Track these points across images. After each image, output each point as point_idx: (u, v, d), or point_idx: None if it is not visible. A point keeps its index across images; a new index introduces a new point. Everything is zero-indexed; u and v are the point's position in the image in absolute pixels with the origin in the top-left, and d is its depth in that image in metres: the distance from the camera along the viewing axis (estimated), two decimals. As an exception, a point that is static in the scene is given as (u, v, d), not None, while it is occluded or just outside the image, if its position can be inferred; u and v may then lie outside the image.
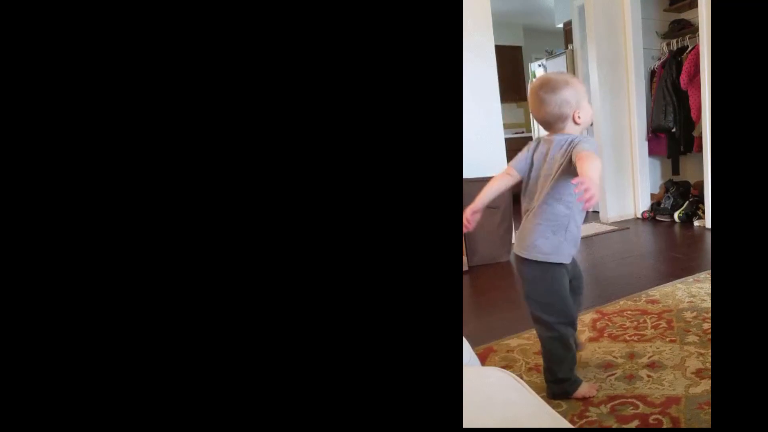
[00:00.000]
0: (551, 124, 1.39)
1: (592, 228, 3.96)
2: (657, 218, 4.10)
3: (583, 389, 1.45)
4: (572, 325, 1.47)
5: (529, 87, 1.54)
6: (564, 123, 1.37)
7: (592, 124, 4.08)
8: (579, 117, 1.36)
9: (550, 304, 1.42)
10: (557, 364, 1.44)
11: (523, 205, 1.46)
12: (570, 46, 5.04)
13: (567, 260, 1.42)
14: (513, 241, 3.39)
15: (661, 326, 1.91)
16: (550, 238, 1.38)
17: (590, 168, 1.19)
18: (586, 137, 1.38)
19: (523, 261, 1.43)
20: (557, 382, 1.45)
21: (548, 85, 1.36)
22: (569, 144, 1.34)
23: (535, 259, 1.39)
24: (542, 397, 1.08)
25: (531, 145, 1.47)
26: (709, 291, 2.21)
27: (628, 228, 3.94)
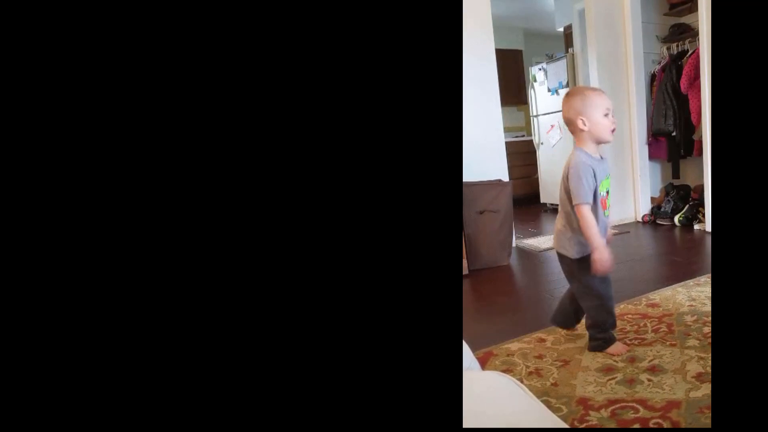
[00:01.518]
0: (567, 125, 1.66)
1: (593, 231, 3.95)
2: (657, 222, 4.10)
3: (616, 348, 1.72)
4: (611, 297, 1.73)
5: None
6: (573, 128, 1.62)
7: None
8: (584, 124, 1.56)
9: (587, 285, 1.70)
10: (599, 325, 1.72)
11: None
12: (570, 50, 5.05)
13: (578, 255, 1.68)
14: (513, 245, 3.40)
15: (661, 330, 1.90)
16: (572, 238, 1.67)
17: (588, 237, 1.59)
18: (577, 165, 1.59)
19: (560, 255, 1.74)
20: (597, 336, 1.74)
21: (568, 93, 1.65)
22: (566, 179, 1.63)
23: (563, 254, 1.70)
24: (542, 401, 1.08)
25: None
26: (710, 295, 2.21)
27: (629, 231, 3.94)
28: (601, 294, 1.69)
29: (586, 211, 1.57)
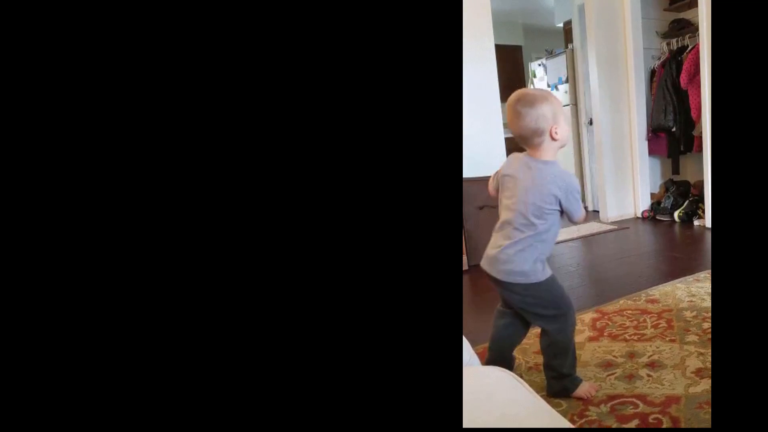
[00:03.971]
0: (528, 138, 1.37)
1: (592, 227, 3.96)
2: (657, 218, 4.10)
3: (584, 388, 1.46)
4: (570, 322, 1.47)
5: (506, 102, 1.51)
6: (541, 138, 1.35)
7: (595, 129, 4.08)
8: (556, 133, 1.34)
9: (545, 308, 1.44)
10: (559, 359, 1.45)
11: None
12: (570, 46, 5.04)
13: (545, 277, 1.41)
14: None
15: (661, 326, 1.91)
16: (536, 257, 1.39)
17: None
18: (569, 183, 1.38)
19: (505, 284, 1.44)
20: (558, 378, 1.46)
21: (525, 99, 1.34)
22: (559, 198, 1.36)
23: (518, 282, 1.41)
24: (542, 396, 1.08)
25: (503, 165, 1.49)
26: (709, 290, 2.21)
27: (628, 227, 3.94)
28: (567, 320, 1.45)
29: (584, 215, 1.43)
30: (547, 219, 1.37)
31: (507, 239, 1.40)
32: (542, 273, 1.40)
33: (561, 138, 1.36)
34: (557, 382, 1.46)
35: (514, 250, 1.39)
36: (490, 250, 1.47)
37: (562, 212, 1.39)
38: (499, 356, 1.54)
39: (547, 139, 1.35)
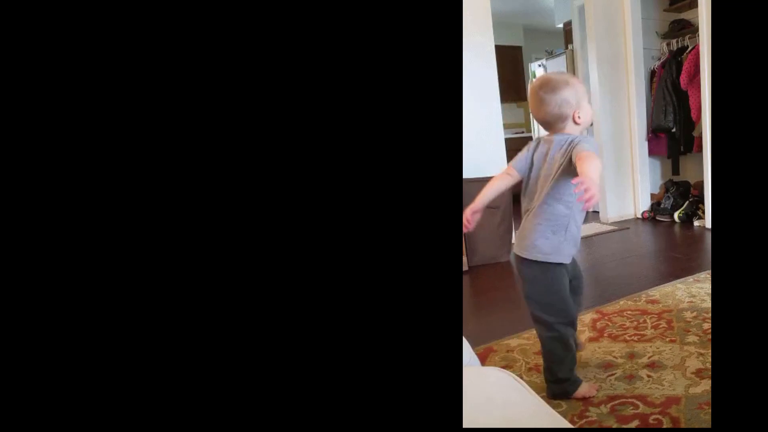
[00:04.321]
0: (551, 124, 1.39)
1: (592, 228, 3.96)
2: (657, 218, 4.10)
3: (583, 389, 1.45)
4: (572, 325, 1.47)
5: (529, 87, 1.50)
6: (564, 123, 1.37)
7: (592, 125, 4.09)
8: (579, 117, 1.36)
9: (550, 304, 1.42)
10: (557, 364, 1.44)
11: (523, 205, 1.46)
12: (570, 46, 5.04)
13: (567, 260, 1.42)
14: (513, 240, 3.39)
15: (661, 326, 1.91)
16: (550, 238, 1.38)
17: (590, 168, 1.19)
18: (586, 137, 1.37)
19: (523, 261, 1.43)
20: (557, 381, 1.45)
21: (548, 85, 1.36)
22: (569, 144, 1.34)
23: (535, 259, 1.39)
24: (542, 397, 1.08)
25: (531, 145, 1.46)
26: (709, 291, 2.21)
27: (628, 228, 3.94)
28: (563, 311, 1.43)
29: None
30: (562, 193, 1.34)
31: (532, 216, 1.41)
32: (566, 255, 1.39)
33: (584, 121, 1.38)
34: (556, 386, 1.46)
35: (532, 224, 1.40)
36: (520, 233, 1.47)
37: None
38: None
39: (570, 123, 1.38)
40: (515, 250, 1.46)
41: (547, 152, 1.39)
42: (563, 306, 1.43)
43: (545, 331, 1.43)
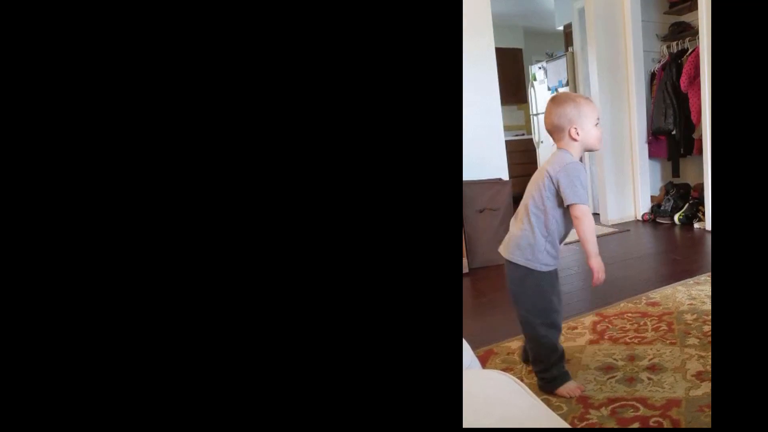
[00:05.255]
0: (551, 133, 1.52)
1: (593, 230, 3.95)
2: (657, 220, 4.10)
3: (567, 388, 1.51)
4: (556, 328, 1.54)
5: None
6: (561, 135, 1.49)
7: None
8: (577, 134, 1.47)
9: (534, 305, 1.51)
10: (542, 362, 1.52)
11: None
12: (570, 49, 5.04)
13: (544, 269, 1.49)
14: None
15: (661, 328, 1.90)
16: (531, 246, 1.48)
17: (587, 241, 1.44)
18: (569, 169, 1.44)
19: (509, 262, 1.53)
20: (540, 378, 1.55)
21: (557, 99, 1.51)
22: (553, 179, 1.45)
23: (517, 262, 1.49)
24: (542, 400, 1.08)
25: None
26: (710, 293, 2.21)
27: (629, 230, 3.94)
28: (553, 321, 1.51)
29: (588, 211, 1.45)
30: (545, 204, 1.46)
31: (517, 221, 1.54)
32: (540, 264, 1.48)
33: (581, 139, 1.48)
34: (539, 380, 1.55)
35: (518, 229, 1.51)
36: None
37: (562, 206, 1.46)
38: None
39: (567, 137, 1.49)
40: (500, 249, 1.57)
41: (544, 166, 1.50)
42: (546, 307, 1.51)
43: (530, 331, 1.54)
